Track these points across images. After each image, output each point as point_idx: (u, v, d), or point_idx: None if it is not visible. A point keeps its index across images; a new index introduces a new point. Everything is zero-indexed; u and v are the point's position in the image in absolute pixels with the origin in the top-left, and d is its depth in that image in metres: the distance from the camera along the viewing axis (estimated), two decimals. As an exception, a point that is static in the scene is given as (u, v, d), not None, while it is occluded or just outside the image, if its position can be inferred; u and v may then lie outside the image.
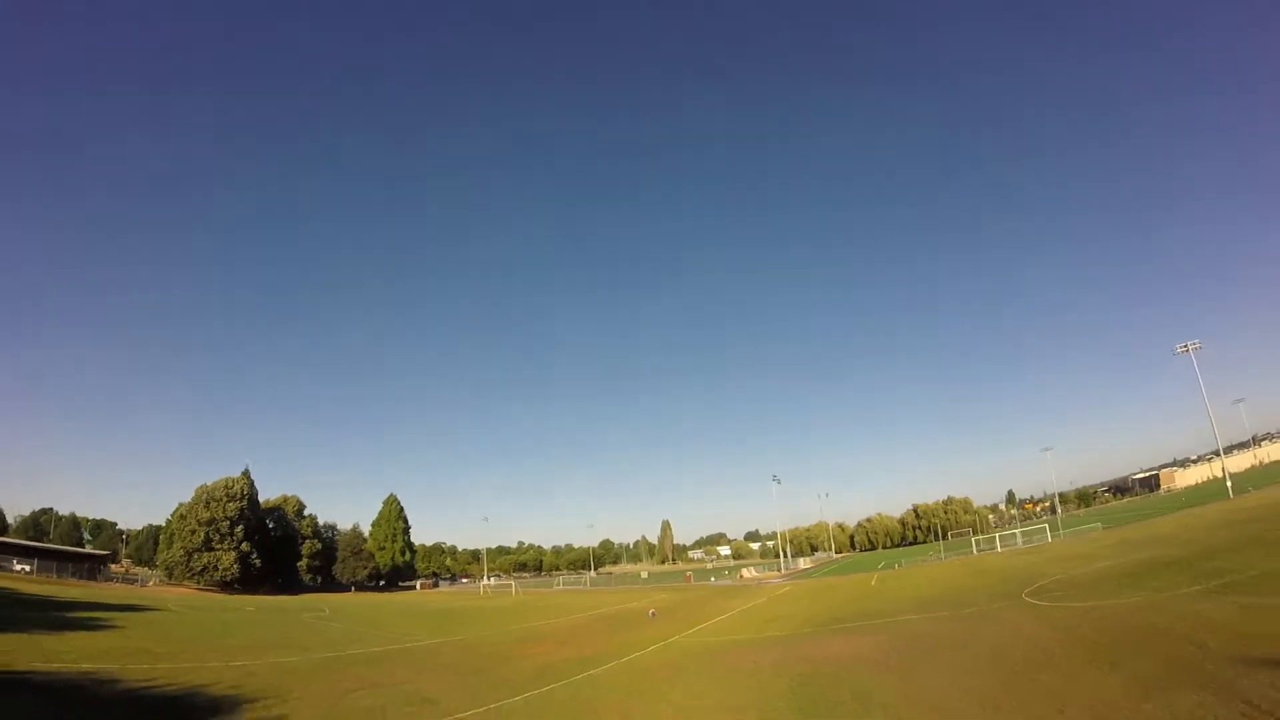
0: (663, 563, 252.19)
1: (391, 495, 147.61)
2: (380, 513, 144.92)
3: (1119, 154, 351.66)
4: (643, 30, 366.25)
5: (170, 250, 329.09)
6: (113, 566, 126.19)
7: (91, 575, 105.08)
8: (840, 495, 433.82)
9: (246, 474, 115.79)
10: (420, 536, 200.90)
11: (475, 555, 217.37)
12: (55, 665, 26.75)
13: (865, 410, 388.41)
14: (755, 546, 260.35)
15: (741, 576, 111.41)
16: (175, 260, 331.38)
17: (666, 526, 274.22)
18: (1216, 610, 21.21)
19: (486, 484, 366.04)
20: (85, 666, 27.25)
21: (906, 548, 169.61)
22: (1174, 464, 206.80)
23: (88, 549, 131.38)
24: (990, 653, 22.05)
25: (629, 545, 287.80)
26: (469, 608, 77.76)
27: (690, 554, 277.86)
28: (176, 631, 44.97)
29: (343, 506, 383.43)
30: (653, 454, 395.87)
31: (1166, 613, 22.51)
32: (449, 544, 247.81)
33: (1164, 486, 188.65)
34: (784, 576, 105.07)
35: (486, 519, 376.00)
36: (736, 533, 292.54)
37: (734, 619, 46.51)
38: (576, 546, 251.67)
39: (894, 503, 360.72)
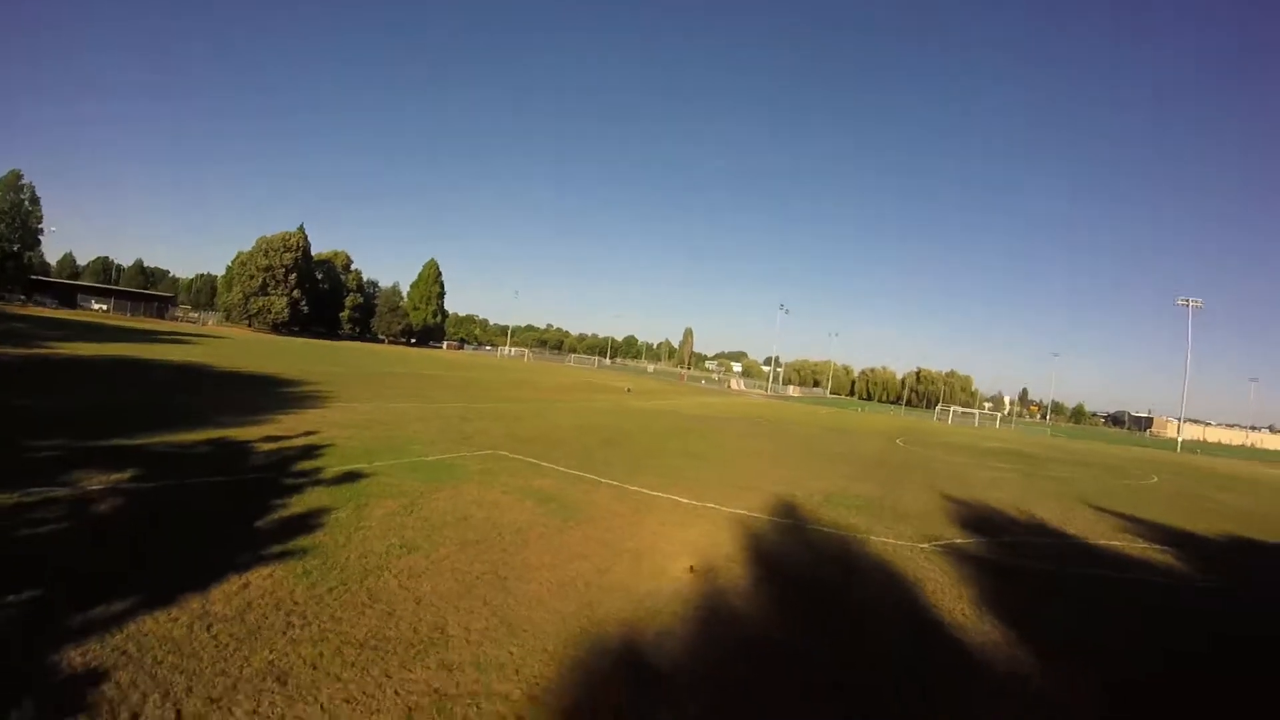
0: (679, 366, 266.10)
1: (432, 259, 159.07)
2: (420, 274, 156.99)
3: None
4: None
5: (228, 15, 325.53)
6: (173, 308, 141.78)
7: (160, 314, 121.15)
8: (861, 341, 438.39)
9: (302, 229, 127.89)
10: (456, 306, 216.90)
11: (504, 330, 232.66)
12: (165, 358, 39.02)
13: (913, 266, 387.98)
14: (766, 369, 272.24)
15: (729, 386, 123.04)
16: (235, 25, 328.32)
17: (689, 334, 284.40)
18: (952, 468, 31.51)
19: (525, 262, 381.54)
20: (188, 359, 39.66)
21: (904, 406, 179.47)
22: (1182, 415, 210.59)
23: (153, 292, 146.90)
24: (813, 446, 33.34)
25: (652, 345, 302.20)
26: (481, 363, 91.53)
27: (707, 364, 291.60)
28: (245, 350, 57.72)
29: (388, 266, 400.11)
30: (692, 263, 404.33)
31: (941, 463, 33.28)
32: (481, 317, 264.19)
33: (1154, 430, 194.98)
34: (764, 395, 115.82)
35: (517, 293, 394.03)
36: (758, 354, 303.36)
37: (681, 402, 57.83)
38: (601, 336, 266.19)
39: (913, 361, 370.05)
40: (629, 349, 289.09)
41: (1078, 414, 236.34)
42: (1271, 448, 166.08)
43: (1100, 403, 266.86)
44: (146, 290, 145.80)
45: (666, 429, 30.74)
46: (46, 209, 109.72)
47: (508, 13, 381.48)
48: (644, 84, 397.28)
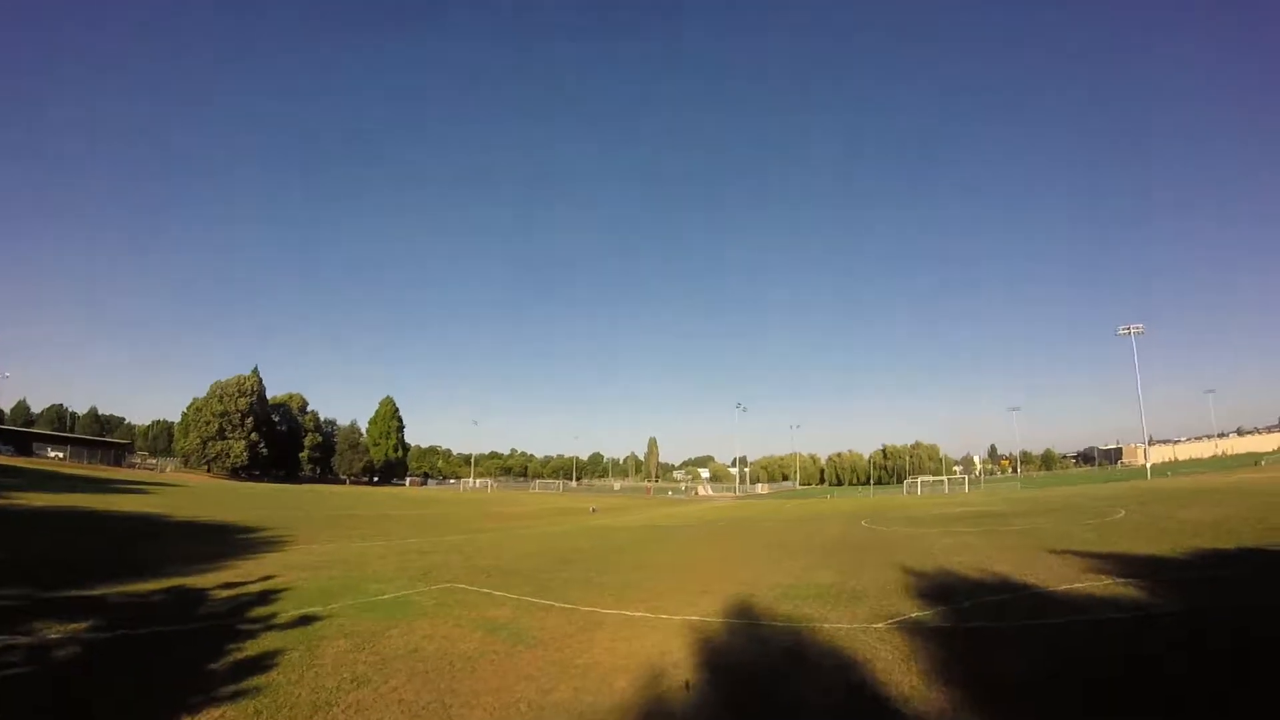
0: (646, 479, 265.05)
1: (388, 397, 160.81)
2: (377, 411, 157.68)
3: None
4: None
5: (178, 155, 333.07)
6: (132, 457, 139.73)
7: (117, 461, 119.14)
8: (827, 429, 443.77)
9: (256, 372, 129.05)
10: (418, 438, 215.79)
11: (467, 460, 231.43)
12: (122, 508, 38.72)
13: (866, 348, 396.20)
14: (734, 470, 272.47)
15: (696, 493, 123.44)
16: (183, 163, 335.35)
17: (653, 444, 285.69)
18: (915, 540, 31.67)
19: (483, 390, 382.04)
20: (146, 509, 39.37)
21: (874, 486, 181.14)
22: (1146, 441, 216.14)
23: (109, 439, 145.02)
24: (774, 539, 33.65)
25: (619, 460, 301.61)
26: (444, 498, 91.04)
27: (675, 473, 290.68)
28: (203, 497, 57.13)
29: (343, 405, 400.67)
30: (650, 375, 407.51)
31: (903, 537, 33.92)
32: (444, 447, 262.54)
33: (1124, 460, 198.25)
34: (734, 497, 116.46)
35: (476, 423, 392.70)
36: (725, 457, 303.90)
37: (647, 516, 57.99)
38: (566, 456, 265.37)
39: (879, 440, 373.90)
40: (594, 467, 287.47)
41: (1047, 460, 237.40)
42: (1241, 450, 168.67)
43: (1069, 443, 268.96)
44: (102, 438, 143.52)
45: (626, 544, 30.86)
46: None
47: (454, 152, 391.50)
48: (582, 222, 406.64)
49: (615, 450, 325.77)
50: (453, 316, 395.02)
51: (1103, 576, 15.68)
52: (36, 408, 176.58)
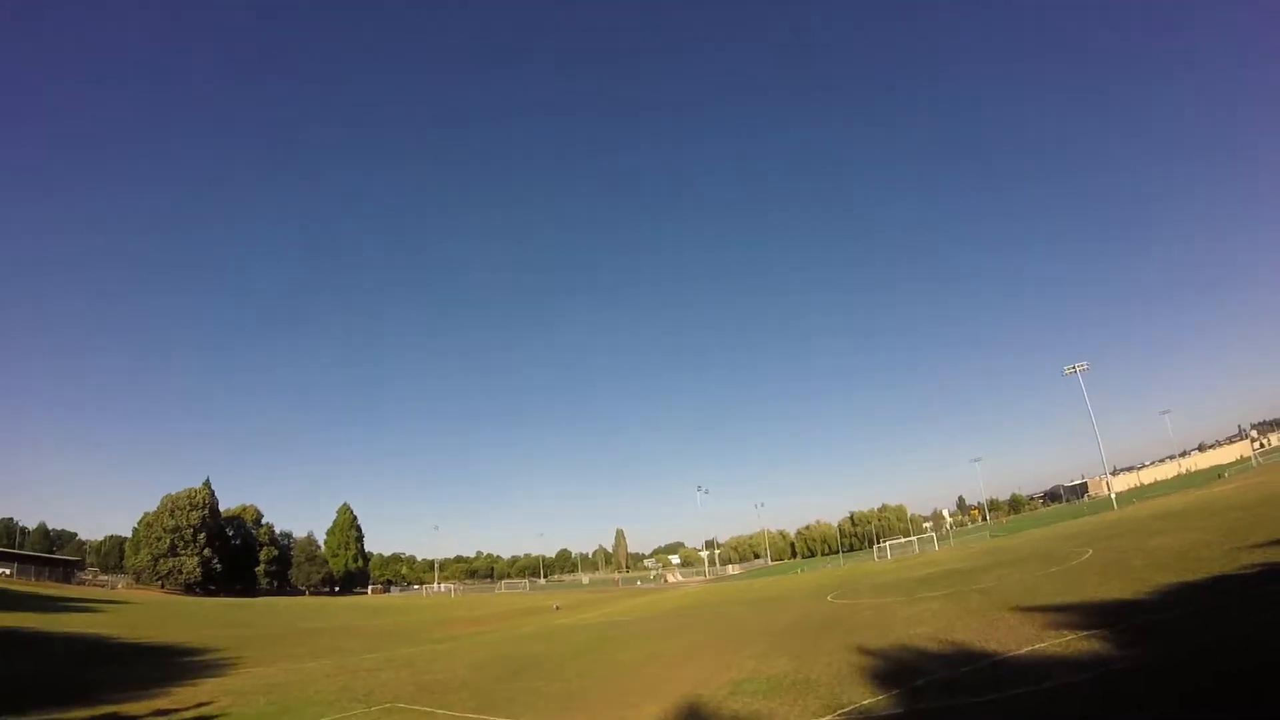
0: (617, 571, 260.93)
1: (345, 505, 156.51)
2: (335, 521, 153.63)
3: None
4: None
5: (127, 259, 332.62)
6: (82, 574, 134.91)
7: (65, 579, 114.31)
8: (795, 502, 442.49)
9: (208, 484, 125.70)
10: (380, 546, 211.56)
11: (431, 565, 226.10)
12: (69, 629, 37.57)
13: (828, 425, 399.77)
14: (704, 554, 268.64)
15: (665, 580, 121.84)
16: (131, 271, 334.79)
17: (620, 536, 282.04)
18: (878, 613, 31.54)
19: (445, 498, 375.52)
20: (91, 631, 38.17)
21: (844, 553, 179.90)
22: (1110, 472, 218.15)
23: (58, 556, 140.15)
24: (734, 625, 33.44)
25: (588, 554, 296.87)
26: (406, 606, 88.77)
27: (646, 562, 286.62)
28: (153, 616, 55.34)
29: (300, 516, 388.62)
30: (613, 467, 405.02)
31: (867, 610, 33.69)
32: (407, 554, 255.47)
33: (1091, 493, 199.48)
34: (703, 580, 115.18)
35: (437, 527, 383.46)
36: (695, 541, 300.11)
37: (612, 609, 57.30)
38: (533, 555, 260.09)
39: (847, 507, 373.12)
40: (563, 563, 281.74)
41: (1015, 504, 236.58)
42: (1205, 465, 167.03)
43: (1037, 484, 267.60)
44: (52, 554, 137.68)
45: (583, 645, 30.48)
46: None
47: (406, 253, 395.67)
48: (533, 318, 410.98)
49: (584, 544, 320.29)
50: (410, 423, 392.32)
51: (1065, 632, 14.87)
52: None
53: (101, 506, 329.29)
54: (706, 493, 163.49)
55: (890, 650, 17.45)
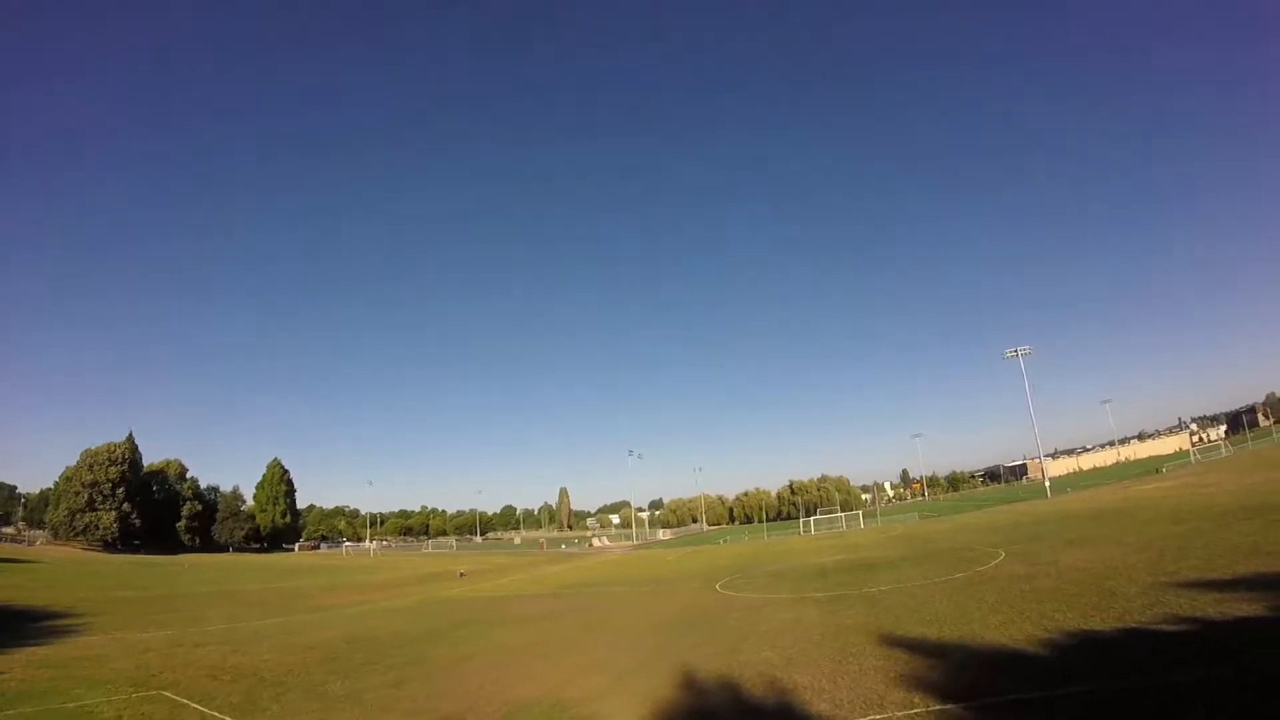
0: (560, 529, 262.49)
1: (275, 459, 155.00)
2: (264, 476, 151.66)
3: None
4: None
5: (62, 214, 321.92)
6: (4, 529, 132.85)
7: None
8: (741, 468, 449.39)
9: (130, 439, 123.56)
10: (323, 500, 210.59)
11: (372, 520, 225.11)
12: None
13: (776, 387, 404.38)
14: (644, 516, 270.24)
15: (590, 545, 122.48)
16: (64, 226, 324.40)
17: (564, 494, 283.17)
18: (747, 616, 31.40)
19: (392, 452, 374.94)
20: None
21: (780, 521, 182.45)
22: (1050, 454, 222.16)
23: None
24: (600, 617, 32.98)
25: (533, 511, 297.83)
26: (321, 565, 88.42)
27: (588, 521, 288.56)
28: (48, 575, 54.87)
29: (231, 470, 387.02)
30: (564, 423, 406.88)
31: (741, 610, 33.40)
32: (351, 508, 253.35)
33: (1029, 476, 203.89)
34: (630, 546, 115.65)
35: (371, 483, 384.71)
36: (643, 500, 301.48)
37: (512, 580, 57.30)
38: (470, 512, 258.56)
39: (791, 475, 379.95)
40: (507, 520, 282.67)
41: (954, 481, 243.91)
42: (1144, 455, 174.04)
43: (981, 460, 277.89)
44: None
45: (441, 627, 29.67)
46: None
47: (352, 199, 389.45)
48: (483, 267, 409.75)
49: (530, 501, 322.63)
50: (356, 375, 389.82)
51: (916, 697, 11.97)
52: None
53: (44, 461, 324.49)
54: (640, 457, 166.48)
55: (707, 686, 15.25)
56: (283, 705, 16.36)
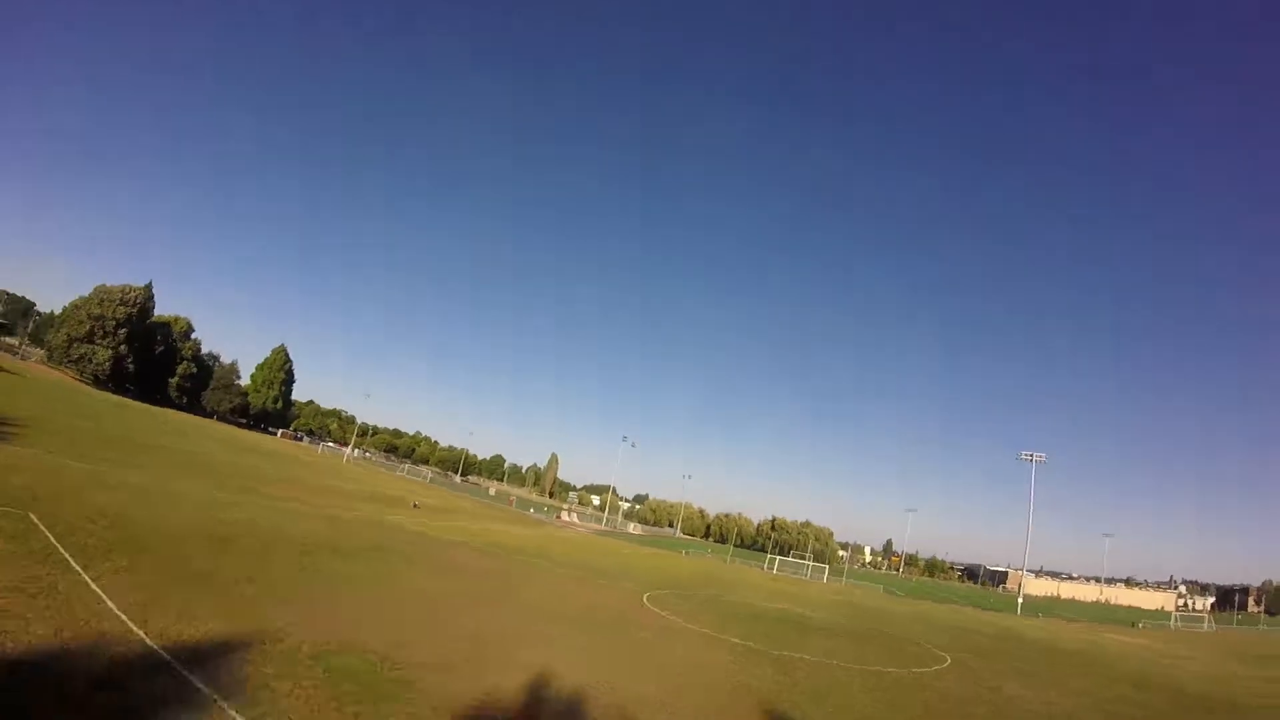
0: (542, 494, 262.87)
1: (281, 345, 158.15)
2: (266, 359, 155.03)
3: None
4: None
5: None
6: (8, 339, 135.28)
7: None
8: (731, 486, 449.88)
9: (148, 288, 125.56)
10: (324, 399, 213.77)
11: (359, 428, 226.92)
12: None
13: (787, 421, 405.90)
14: (625, 505, 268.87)
15: (559, 517, 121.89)
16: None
17: (554, 460, 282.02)
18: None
19: (398, 368, 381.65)
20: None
21: (752, 551, 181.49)
22: (1034, 571, 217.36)
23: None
24: (508, 589, 33.72)
25: (521, 467, 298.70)
26: (282, 453, 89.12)
27: (571, 494, 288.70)
28: (12, 386, 55.88)
29: (236, 349, 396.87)
30: (572, 387, 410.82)
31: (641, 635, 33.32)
32: (348, 413, 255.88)
33: (1007, 586, 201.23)
34: (595, 530, 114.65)
35: (369, 395, 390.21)
36: (629, 490, 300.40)
37: (465, 528, 56.42)
38: (458, 449, 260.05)
39: (781, 509, 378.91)
40: (494, 468, 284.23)
41: (932, 567, 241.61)
42: (1124, 603, 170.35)
43: (965, 553, 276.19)
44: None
45: (338, 545, 28.63)
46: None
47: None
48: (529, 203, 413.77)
49: (521, 458, 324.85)
50: (386, 283, 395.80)
51: None
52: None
53: (75, 287, 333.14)
54: (634, 446, 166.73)
55: (557, 694, 14.64)
56: (131, 564, 16.37)
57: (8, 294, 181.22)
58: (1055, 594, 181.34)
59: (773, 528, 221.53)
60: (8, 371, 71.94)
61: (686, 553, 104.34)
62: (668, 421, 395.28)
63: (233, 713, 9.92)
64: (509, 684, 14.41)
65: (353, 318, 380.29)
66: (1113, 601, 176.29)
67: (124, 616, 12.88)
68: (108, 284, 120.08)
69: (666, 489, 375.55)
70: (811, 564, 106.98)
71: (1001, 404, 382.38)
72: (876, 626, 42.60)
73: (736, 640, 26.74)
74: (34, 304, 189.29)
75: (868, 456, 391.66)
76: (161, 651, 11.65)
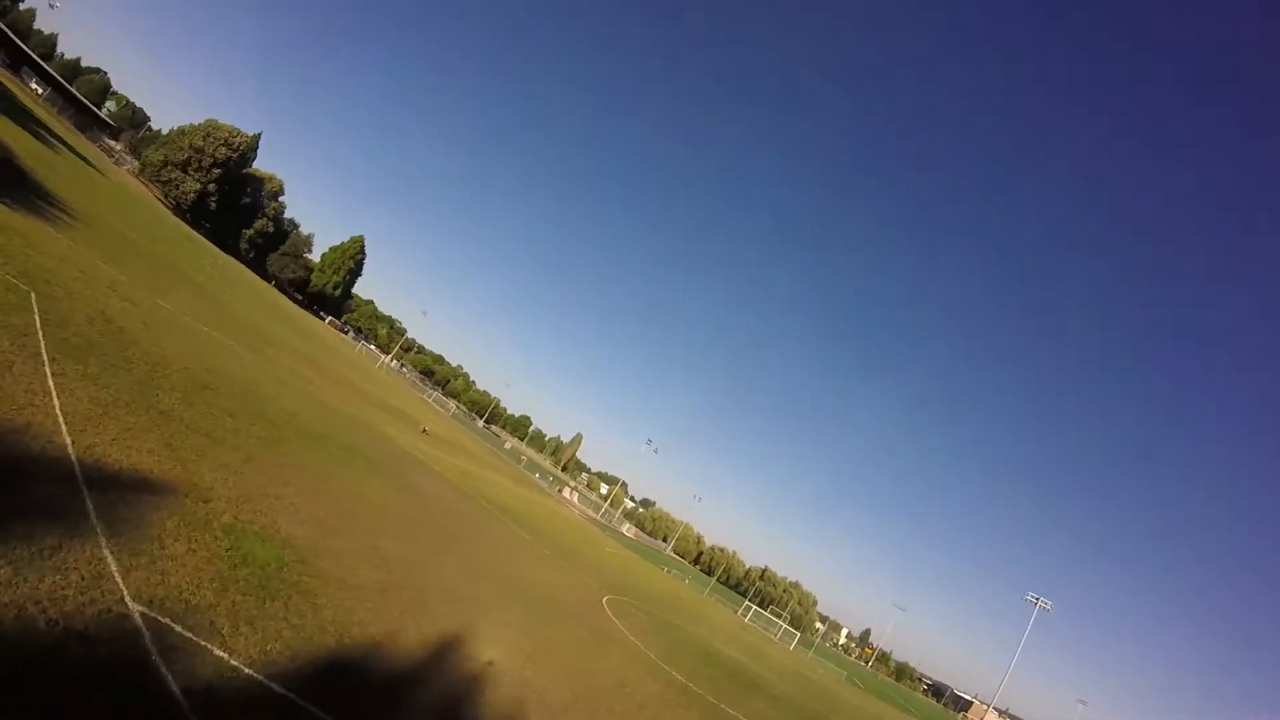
0: (556, 466, 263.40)
1: (359, 236, 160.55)
2: (342, 244, 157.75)
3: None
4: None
5: None
6: (110, 141, 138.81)
7: (82, 129, 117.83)
8: (735, 520, 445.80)
9: (255, 139, 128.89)
10: (387, 305, 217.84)
11: (405, 341, 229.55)
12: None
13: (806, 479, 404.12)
14: (629, 504, 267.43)
15: (559, 492, 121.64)
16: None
17: (578, 438, 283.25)
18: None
19: (462, 300, 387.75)
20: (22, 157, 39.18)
21: (733, 591, 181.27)
22: (1001, 711, 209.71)
23: (102, 113, 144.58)
24: (467, 535, 33.00)
25: (545, 435, 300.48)
26: (323, 339, 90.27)
27: (582, 475, 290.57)
28: (90, 183, 56.92)
29: (325, 228, 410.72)
30: (622, 375, 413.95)
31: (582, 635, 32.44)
32: (401, 325, 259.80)
33: (968, 716, 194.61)
34: (589, 516, 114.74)
35: (425, 313, 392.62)
36: (639, 492, 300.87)
37: (462, 467, 56.65)
38: (492, 396, 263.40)
39: (774, 560, 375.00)
40: (518, 427, 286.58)
41: (901, 671, 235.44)
42: None
43: (934, 668, 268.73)
44: (91, 103, 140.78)
45: (326, 432, 28.69)
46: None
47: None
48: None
49: (548, 426, 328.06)
50: (477, 222, 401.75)
51: None
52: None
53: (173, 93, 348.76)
54: (656, 450, 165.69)
55: (454, 662, 13.97)
56: (99, 374, 16.18)
57: (127, 99, 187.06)
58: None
59: (761, 576, 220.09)
60: (95, 169, 73.49)
61: (667, 570, 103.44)
62: (697, 437, 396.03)
63: (105, 550, 9.44)
64: (411, 631, 13.84)
65: (440, 241, 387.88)
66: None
67: (60, 418, 12.60)
68: (218, 120, 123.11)
69: (674, 502, 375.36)
70: (785, 626, 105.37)
71: (1022, 536, 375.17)
72: (823, 711, 41.33)
73: (676, 675, 26.07)
74: (149, 119, 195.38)
75: (878, 540, 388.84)
76: (75, 463, 11.29)
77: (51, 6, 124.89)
